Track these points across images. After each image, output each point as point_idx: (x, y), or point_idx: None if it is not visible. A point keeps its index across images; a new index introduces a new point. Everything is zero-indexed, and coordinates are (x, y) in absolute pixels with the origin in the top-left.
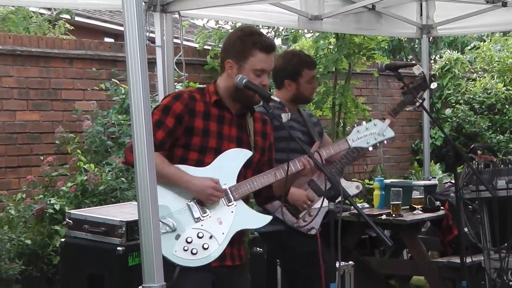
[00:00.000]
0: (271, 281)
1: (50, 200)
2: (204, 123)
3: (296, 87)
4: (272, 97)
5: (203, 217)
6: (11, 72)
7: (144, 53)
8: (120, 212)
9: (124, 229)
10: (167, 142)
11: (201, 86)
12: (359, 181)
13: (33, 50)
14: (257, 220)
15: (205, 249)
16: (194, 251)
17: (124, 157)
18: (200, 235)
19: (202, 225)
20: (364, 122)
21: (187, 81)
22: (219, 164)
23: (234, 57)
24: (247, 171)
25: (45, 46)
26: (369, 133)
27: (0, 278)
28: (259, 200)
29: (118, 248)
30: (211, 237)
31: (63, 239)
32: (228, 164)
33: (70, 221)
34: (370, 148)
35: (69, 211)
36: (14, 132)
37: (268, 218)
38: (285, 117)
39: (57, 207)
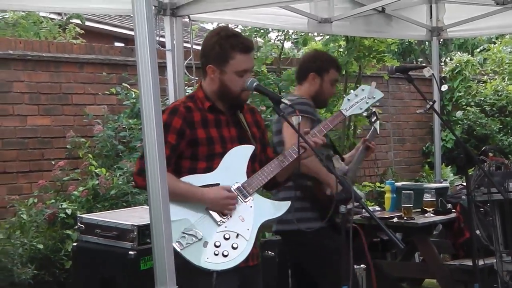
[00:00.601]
0: (283, 285)
1: (61, 205)
2: (205, 131)
3: (320, 83)
4: (282, 100)
5: (225, 218)
6: (22, 77)
7: (155, 57)
8: (131, 216)
9: (135, 233)
10: (172, 158)
11: (190, 93)
12: (370, 184)
13: (43, 55)
14: (277, 208)
15: (235, 248)
16: (225, 253)
17: (134, 182)
18: (227, 236)
19: (226, 227)
20: (352, 91)
21: (197, 84)
22: (225, 165)
23: (215, 62)
24: (254, 164)
25: (55, 50)
26: (359, 99)
27: (12, 283)
28: (265, 188)
29: (130, 252)
30: (237, 235)
31: (75, 244)
32: (234, 163)
33: (82, 226)
34: (364, 113)
35: (81, 215)
36: (25, 137)
37: (287, 204)
38: (295, 120)
39: (68, 211)
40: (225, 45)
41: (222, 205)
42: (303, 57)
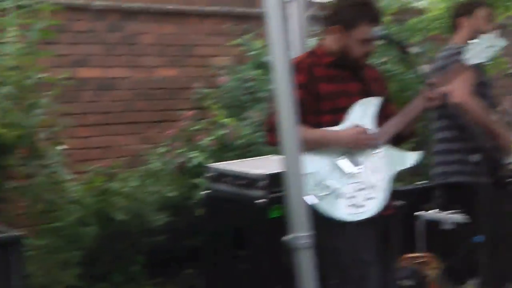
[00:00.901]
0: (410, 236)
1: (190, 154)
2: (329, 86)
3: (473, 25)
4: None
5: (357, 170)
6: (147, 30)
7: (281, 8)
8: (260, 165)
9: (265, 181)
10: (301, 114)
11: (311, 49)
12: None
13: (167, 7)
14: (408, 158)
15: (369, 199)
16: (360, 204)
17: (266, 138)
18: (360, 187)
19: (359, 178)
20: (473, 40)
21: (320, 37)
22: (352, 118)
23: (342, 24)
24: (380, 118)
25: (179, 3)
26: (481, 48)
27: (146, 229)
28: (392, 143)
29: (260, 200)
30: (371, 186)
31: (205, 192)
32: (360, 116)
33: (212, 174)
34: (486, 63)
35: (210, 164)
36: (153, 88)
37: (419, 154)
38: (426, 68)
39: (197, 160)
40: (355, 12)
41: (359, 140)
42: (451, 9)
